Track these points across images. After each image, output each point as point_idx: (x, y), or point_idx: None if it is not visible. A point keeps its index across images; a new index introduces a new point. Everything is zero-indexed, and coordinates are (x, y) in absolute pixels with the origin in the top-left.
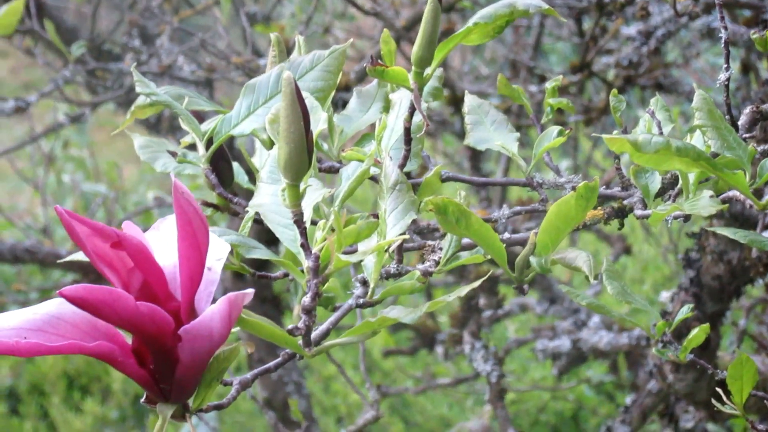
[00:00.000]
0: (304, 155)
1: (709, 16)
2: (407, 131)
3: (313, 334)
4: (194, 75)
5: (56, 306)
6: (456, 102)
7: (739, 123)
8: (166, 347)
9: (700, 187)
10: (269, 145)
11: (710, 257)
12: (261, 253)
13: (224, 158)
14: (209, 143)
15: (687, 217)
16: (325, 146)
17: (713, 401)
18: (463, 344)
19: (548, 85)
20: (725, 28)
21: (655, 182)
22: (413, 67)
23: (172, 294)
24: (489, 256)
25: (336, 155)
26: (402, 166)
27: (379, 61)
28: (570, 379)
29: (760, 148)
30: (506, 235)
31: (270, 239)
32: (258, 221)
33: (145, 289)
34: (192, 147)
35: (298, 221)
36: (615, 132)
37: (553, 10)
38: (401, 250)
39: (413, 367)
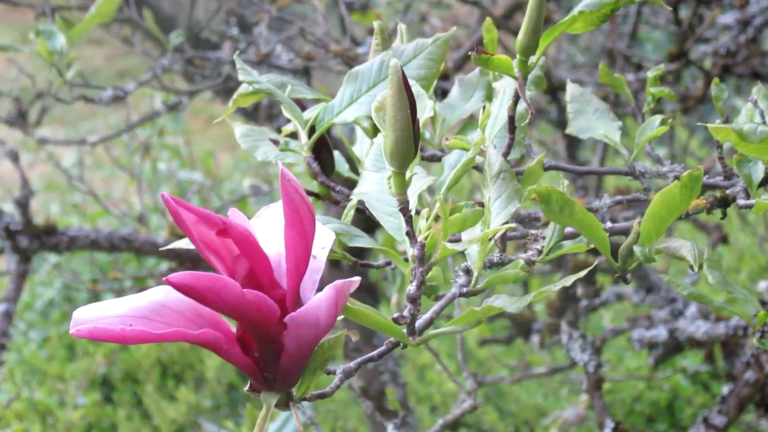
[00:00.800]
0: (411, 143)
1: None
2: (511, 120)
3: (417, 323)
4: (292, 63)
5: (162, 294)
6: (553, 90)
7: None
8: (272, 335)
9: None
10: (372, 133)
11: None
12: (364, 241)
13: (326, 147)
14: (311, 132)
15: None
16: (428, 134)
17: None
18: (561, 333)
19: (650, 74)
20: None
21: (759, 171)
22: (518, 55)
23: (278, 282)
24: (591, 246)
25: (438, 143)
26: (505, 154)
27: (482, 48)
28: (665, 368)
29: None
30: (609, 224)
31: (367, 227)
32: (358, 210)
33: (250, 277)
34: (292, 135)
35: (404, 209)
36: (717, 121)
37: None
38: (505, 239)
39: (508, 356)
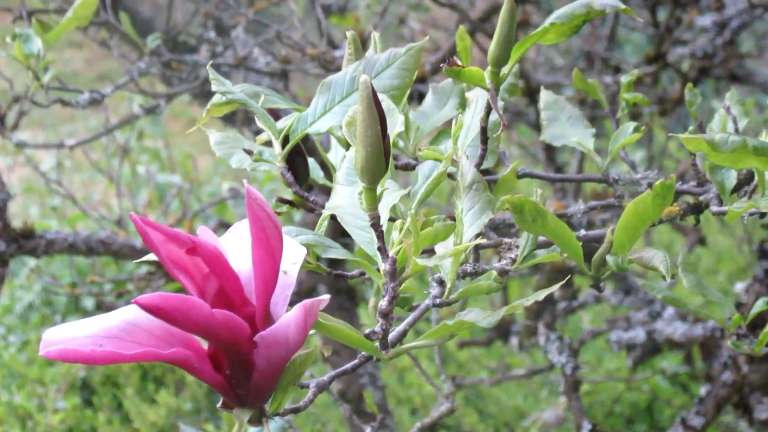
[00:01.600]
0: (381, 159)
1: None
2: (484, 130)
3: (390, 336)
4: (269, 66)
5: (132, 313)
6: (531, 93)
7: None
8: (242, 353)
9: None
10: (345, 143)
11: None
12: (337, 252)
13: (300, 155)
14: (285, 141)
15: (763, 214)
16: (401, 143)
17: None
18: (538, 336)
19: (624, 79)
20: None
21: (731, 178)
22: (490, 67)
23: (248, 299)
24: (565, 254)
25: (412, 152)
26: (478, 165)
27: (455, 59)
28: (644, 370)
29: None
30: (582, 232)
31: (344, 231)
32: (333, 216)
33: (220, 295)
34: (268, 143)
35: (375, 225)
36: (691, 128)
37: (629, 9)
38: (478, 249)
39: (488, 358)
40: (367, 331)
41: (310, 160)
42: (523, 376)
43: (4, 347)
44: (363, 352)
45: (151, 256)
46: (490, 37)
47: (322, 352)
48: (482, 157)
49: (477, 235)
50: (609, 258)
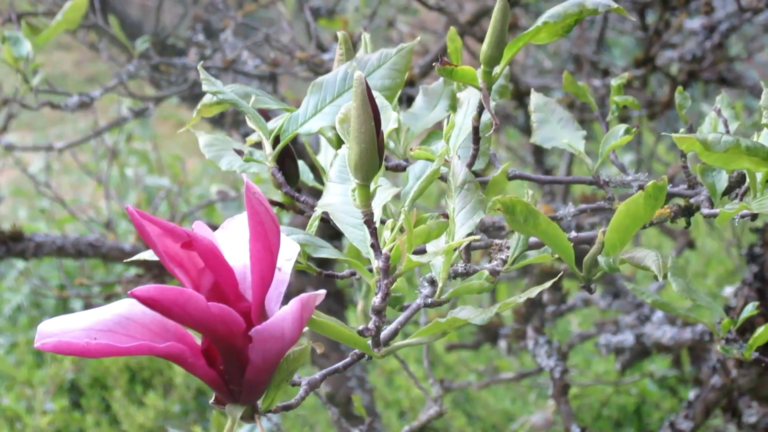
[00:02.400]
0: (375, 155)
1: None
2: (476, 130)
3: (382, 334)
4: (258, 69)
5: (126, 306)
6: (520, 96)
7: None
8: (237, 348)
9: None
10: (336, 143)
11: None
12: (328, 252)
13: (290, 156)
14: (276, 141)
15: (754, 216)
16: (392, 144)
17: None
18: (527, 339)
19: (614, 82)
20: None
21: (722, 180)
22: (482, 66)
23: (243, 295)
24: (556, 255)
25: (403, 153)
26: (470, 165)
27: (446, 59)
28: (633, 373)
29: None
30: (573, 233)
31: (333, 234)
32: (323, 219)
33: (215, 290)
34: (257, 145)
35: (369, 221)
36: (682, 130)
37: (621, 8)
38: (469, 249)
39: (476, 361)
40: (360, 327)
41: (300, 163)
42: (512, 379)
43: None
44: (354, 351)
45: (141, 255)
46: (479, 40)
47: (315, 349)
48: (474, 157)
49: (468, 235)
50: (600, 258)
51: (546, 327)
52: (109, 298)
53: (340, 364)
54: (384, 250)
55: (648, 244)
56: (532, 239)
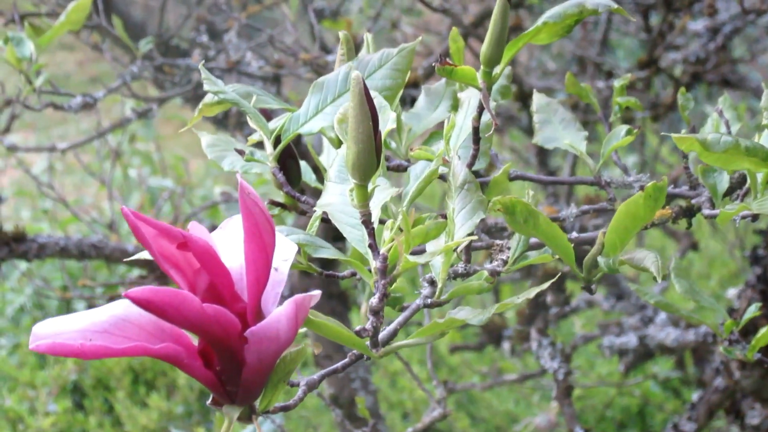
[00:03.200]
0: (373, 156)
1: None
2: (476, 130)
3: (381, 335)
4: (262, 71)
5: (122, 308)
6: (523, 97)
7: None
8: (233, 349)
9: None
10: (337, 143)
11: None
12: (328, 252)
13: (292, 156)
14: (277, 141)
15: (755, 217)
16: (393, 144)
17: None
18: (530, 341)
19: (617, 83)
20: None
21: (723, 181)
22: (482, 67)
23: (239, 295)
24: (557, 256)
25: (404, 153)
26: (470, 165)
27: (448, 59)
28: (636, 375)
29: None
30: (574, 234)
31: (337, 236)
32: (325, 219)
33: (211, 291)
34: (259, 145)
35: (366, 222)
36: (683, 131)
37: (622, 9)
38: (469, 249)
39: (480, 362)
40: (357, 327)
41: (302, 163)
42: (515, 381)
43: None
44: (353, 351)
45: (142, 255)
46: (483, 41)
47: (313, 350)
48: (474, 158)
49: (468, 235)
50: (600, 259)
51: (549, 328)
52: (113, 299)
53: (339, 364)
54: (382, 251)
55: (651, 246)
56: (534, 239)
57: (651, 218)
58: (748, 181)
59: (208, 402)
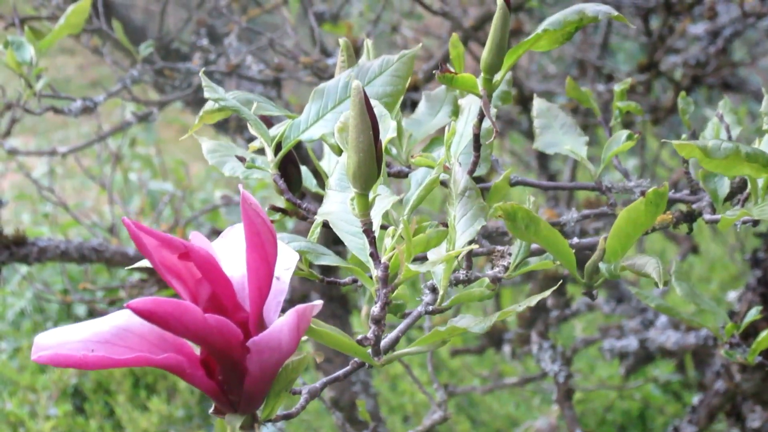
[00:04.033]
0: (373, 165)
1: None
2: (476, 137)
3: (383, 343)
4: (262, 74)
5: (124, 318)
6: (524, 101)
7: None
8: (235, 359)
9: None
10: (338, 150)
11: None
12: (330, 259)
13: (293, 162)
14: (278, 148)
15: (756, 222)
16: (394, 150)
17: None
18: (531, 344)
19: (617, 88)
20: None
21: (724, 186)
22: (482, 74)
23: (241, 305)
24: (558, 261)
25: (405, 159)
26: (471, 172)
27: (448, 66)
28: (637, 378)
29: None
30: (575, 240)
31: (337, 239)
32: (326, 224)
33: (213, 300)
34: (260, 151)
35: (367, 230)
36: (684, 136)
37: (622, 16)
38: (470, 256)
39: (480, 366)
40: (359, 337)
41: (303, 169)
42: (516, 384)
43: None
44: (355, 359)
45: (144, 263)
46: (483, 45)
47: (315, 358)
48: (475, 164)
49: (470, 242)
50: (602, 265)
51: (550, 332)
52: (113, 303)
53: (340, 372)
54: (383, 259)
55: (652, 250)
56: (535, 245)
57: (652, 223)
58: (749, 186)
59: (211, 411)
